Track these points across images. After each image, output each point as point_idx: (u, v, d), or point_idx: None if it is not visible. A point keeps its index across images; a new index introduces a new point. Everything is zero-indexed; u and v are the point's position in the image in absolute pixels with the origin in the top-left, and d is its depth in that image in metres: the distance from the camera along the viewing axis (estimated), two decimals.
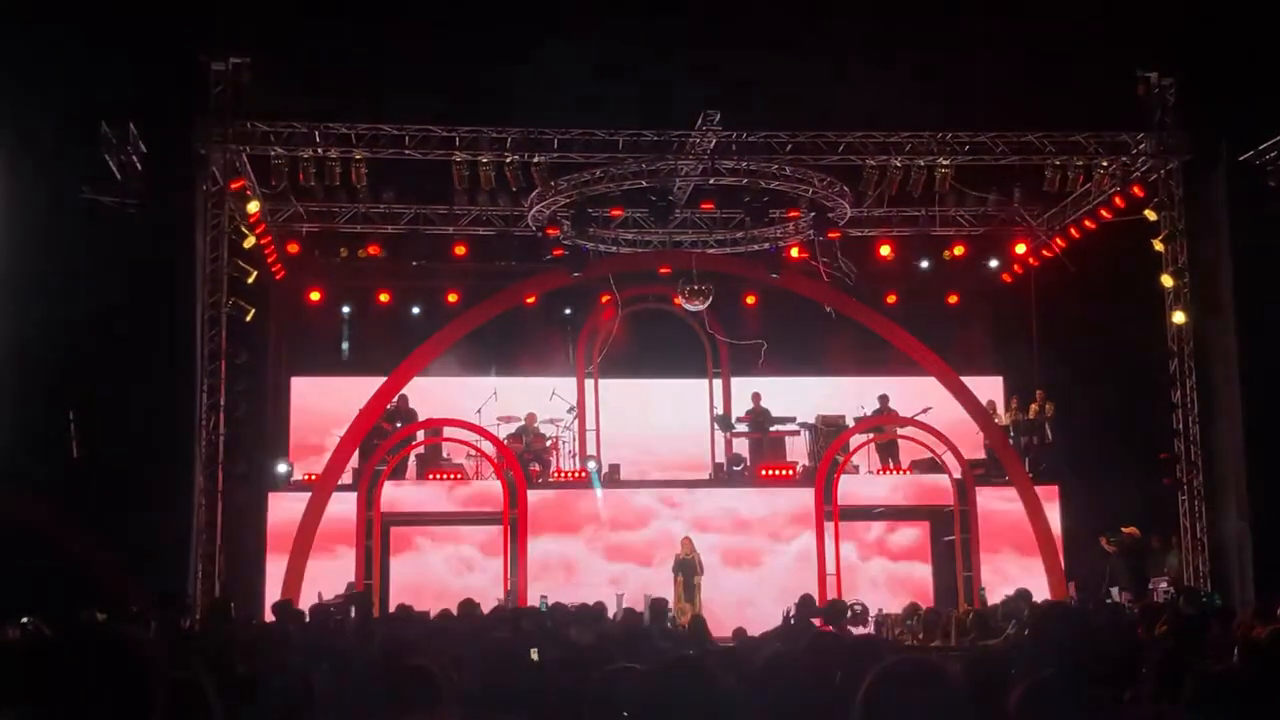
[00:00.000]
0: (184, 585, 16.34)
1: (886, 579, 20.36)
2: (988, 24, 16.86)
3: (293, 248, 20.35)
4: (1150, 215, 18.54)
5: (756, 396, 21.02)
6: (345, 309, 21.94)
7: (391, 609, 15.29)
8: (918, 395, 20.39)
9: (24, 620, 11.89)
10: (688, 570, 18.72)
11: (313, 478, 19.07)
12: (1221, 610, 14.80)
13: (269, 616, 15.32)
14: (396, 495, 19.54)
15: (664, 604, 14.46)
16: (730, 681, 3.94)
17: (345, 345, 22.33)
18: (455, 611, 12.76)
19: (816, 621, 13.15)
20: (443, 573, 19.56)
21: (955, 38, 17.14)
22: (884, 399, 20.84)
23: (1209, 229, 18.21)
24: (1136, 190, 18.66)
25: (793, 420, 20.85)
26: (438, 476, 19.88)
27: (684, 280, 19.45)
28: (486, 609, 13.61)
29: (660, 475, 21.23)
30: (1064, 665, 3.80)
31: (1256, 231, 17.63)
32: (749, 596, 19.06)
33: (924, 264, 21.53)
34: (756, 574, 19.68)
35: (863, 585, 19.54)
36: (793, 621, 13.46)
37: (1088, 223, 19.50)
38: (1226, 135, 17.90)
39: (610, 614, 14.18)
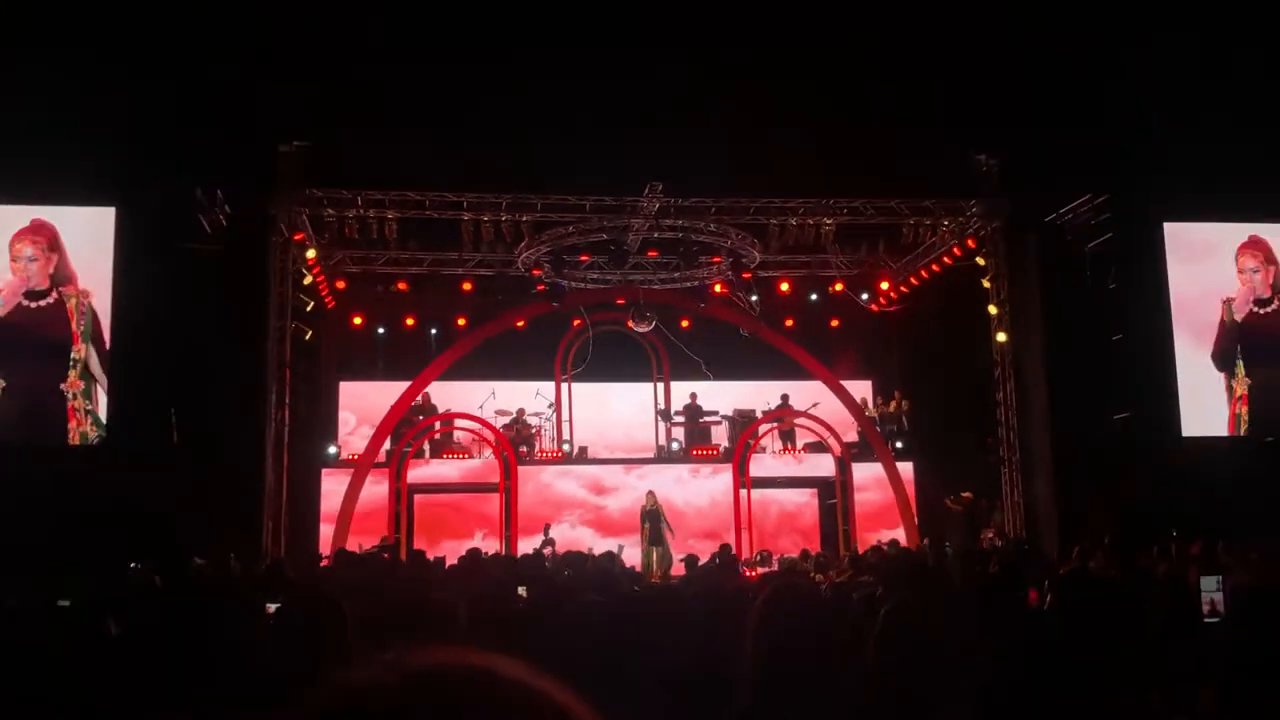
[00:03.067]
0: (258, 539, 16.30)
1: (787, 532, 20.48)
2: (862, 119, 17.05)
3: (340, 284, 20.28)
4: (980, 261, 18.78)
5: (694, 395, 21.13)
6: (380, 330, 21.85)
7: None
8: (810, 394, 20.56)
9: (132, 565, 11.85)
10: (653, 519, 18.62)
11: (355, 457, 19.00)
12: (1037, 553, 15.07)
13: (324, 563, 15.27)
14: (418, 470, 19.50)
15: (613, 554, 14.46)
16: (665, 609, 4.01)
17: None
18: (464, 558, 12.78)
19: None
20: (455, 529, 19.54)
21: (837, 128, 17.28)
22: (785, 397, 20.97)
23: (1023, 271, 18.46)
24: (970, 242, 18.87)
25: (716, 414, 20.96)
26: (450, 456, 19.86)
27: (634, 309, 19.53)
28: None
29: (619, 454, 21.29)
30: (912, 595, 3.85)
31: (1058, 273, 17.93)
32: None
33: (813, 297, 21.65)
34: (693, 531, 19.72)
35: (769, 536, 19.65)
36: (717, 563, 13.54)
37: (935, 266, 19.74)
38: (1037, 202, 18.15)
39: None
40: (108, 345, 16.31)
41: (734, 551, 14.02)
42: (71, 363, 16.14)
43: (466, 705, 0.84)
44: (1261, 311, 18.66)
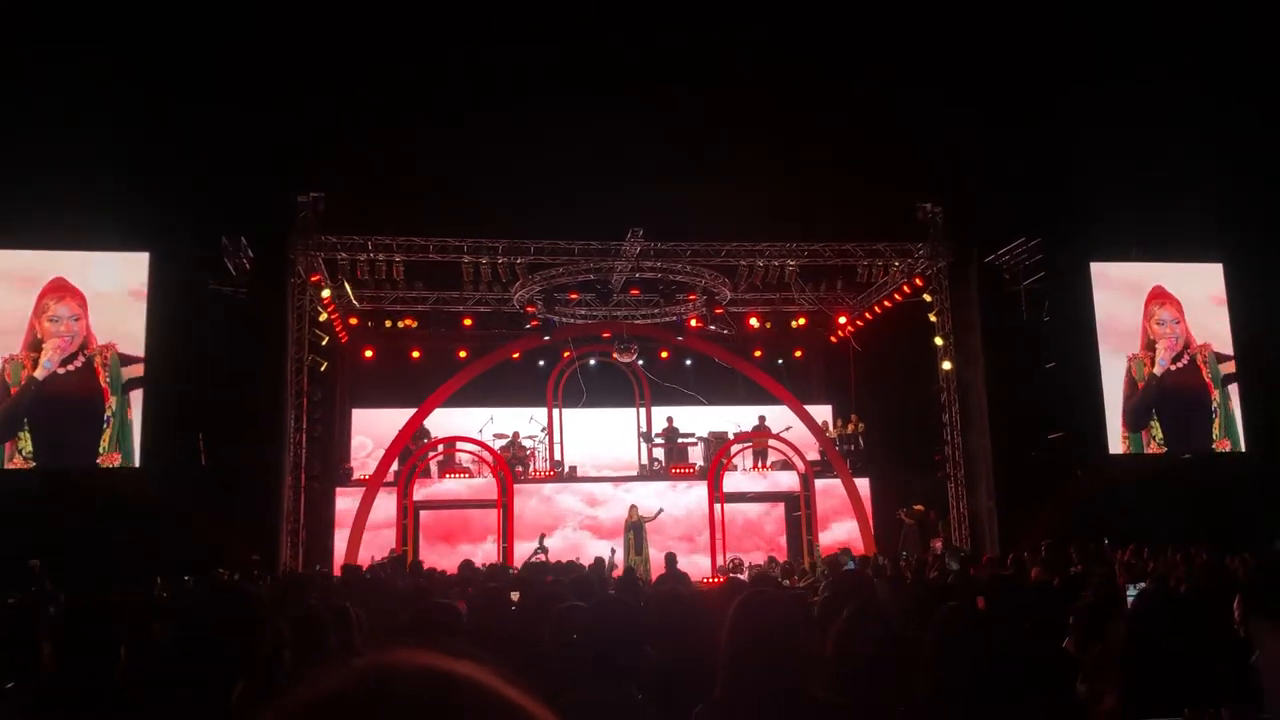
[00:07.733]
0: (277, 552, 16.22)
1: (756, 541, 20.46)
2: (821, 172, 17.24)
3: (353, 320, 20.26)
4: (927, 298, 18.90)
5: (670, 419, 21.11)
6: (389, 362, 21.84)
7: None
8: (777, 417, 20.57)
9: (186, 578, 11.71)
10: (636, 530, 18.59)
11: (366, 478, 18.93)
12: (976, 560, 15.07)
13: (337, 573, 15.18)
14: (423, 488, 19.42)
15: (602, 561, 14.42)
16: (641, 613, 4.05)
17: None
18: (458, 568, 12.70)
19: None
20: (455, 542, 19.46)
21: (799, 181, 17.47)
22: (762, 419, 20.93)
23: (965, 307, 18.59)
24: (918, 281, 19.01)
25: (692, 435, 20.95)
26: (453, 475, 19.79)
27: (617, 341, 19.57)
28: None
29: (605, 472, 21.26)
30: (864, 602, 3.87)
31: (995, 309, 18.08)
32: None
33: (779, 330, 21.70)
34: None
35: (739, 546, 19.62)
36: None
37: (887, 303, 19.86)
38: (976, 245, 18.33)
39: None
40: (140, 380, 16.15)
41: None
42: (105, 420, 15.92)
43: (419, 707, 0.79)
44: (1175, 368, 18.47)
